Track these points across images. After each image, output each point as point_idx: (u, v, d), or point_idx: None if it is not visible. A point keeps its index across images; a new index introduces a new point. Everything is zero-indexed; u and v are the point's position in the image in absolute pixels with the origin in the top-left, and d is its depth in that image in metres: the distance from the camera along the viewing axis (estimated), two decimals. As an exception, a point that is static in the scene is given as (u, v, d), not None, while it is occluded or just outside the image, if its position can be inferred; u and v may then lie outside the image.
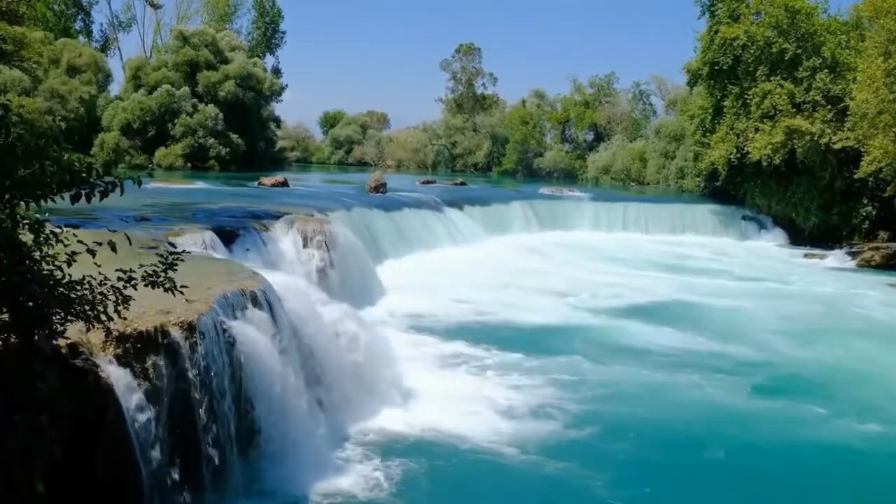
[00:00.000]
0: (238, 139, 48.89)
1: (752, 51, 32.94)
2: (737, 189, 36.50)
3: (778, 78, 32.59)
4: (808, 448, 10.54)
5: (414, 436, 10.05)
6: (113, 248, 5.43)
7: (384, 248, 22.43)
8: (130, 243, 6.41)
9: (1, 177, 4.97)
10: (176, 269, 5.94)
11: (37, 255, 5.15)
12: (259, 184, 32.28)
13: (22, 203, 5.11)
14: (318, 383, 9.94)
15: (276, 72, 67.36)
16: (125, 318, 5.86)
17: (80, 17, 63.71)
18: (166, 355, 7.08)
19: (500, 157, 69.36)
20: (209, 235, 14.37)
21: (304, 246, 16.58)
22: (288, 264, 15.58)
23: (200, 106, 48.22)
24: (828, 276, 26.18)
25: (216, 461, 7.67)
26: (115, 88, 53.31)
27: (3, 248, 4.96)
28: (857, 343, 16.17)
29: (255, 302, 9.06)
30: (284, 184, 32.26)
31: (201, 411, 7.43)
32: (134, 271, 5.73)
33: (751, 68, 33.23)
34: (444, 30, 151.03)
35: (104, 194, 5.20)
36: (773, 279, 24.60)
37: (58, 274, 5.29)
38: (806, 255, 30.44)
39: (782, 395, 12.60)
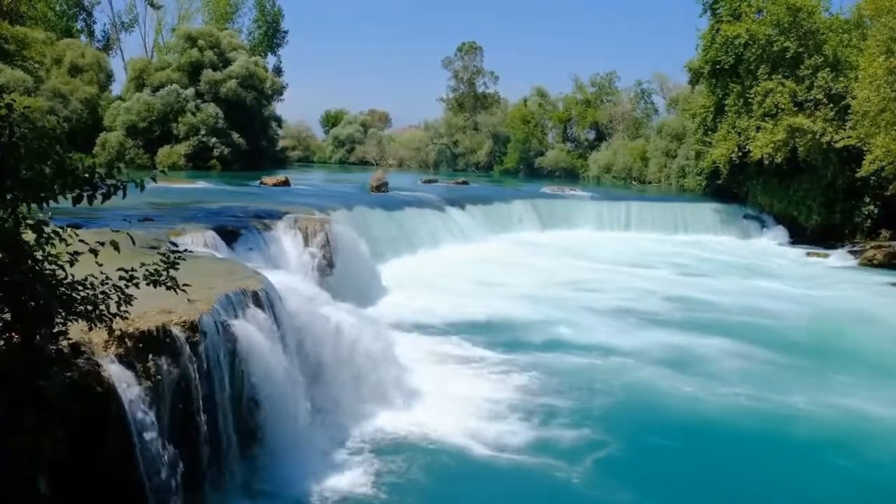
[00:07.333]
0: (240, 138, 48.95)
1: (753, 49, 32.90)
2: (738, 188, 36.54)
3: (779, 76, 32.56)
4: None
5: (415, 436, 10.05)
6: (116, 248, 5.44)
7: (386, 247, 22.43)
8: (134, 243, 6.41)
9: (3, 177, 4.98)
10: (178, 268, 5.96)
11: (39, 254, 5.16)
12: (261, 183, 32.36)
13: (24, 203, 5.12)
14: (318, 383, 9.97)
15: (278, 71, 67.55)
16: (127, 318, 5.87)
17: (81, 16, 63.80)
18: (168, 355, 7.09)
19: (501, 156, 69.44)
20: (211, 235, 14.39)
21: (306, 245, 16.59)
22: (289, 263, 15.60)
23: (202, 105, 48.27)
24: (832, 274, 26.16)
25: (217, 460, 7.70)
26: (116, 88, 53.49)
27: (6, 247, 4.97)
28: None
29: (257, 301, 9.08)
30: (286, 183, 32.35)
31: (203, 410, 7.45)
32: (136, 270, 5.75)
33: (752, 67, 33.20)
34: (445, 28, 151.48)
35: (106, 197, 5.21)
36: (777, 277, 24.59)
37: (60, 273, 5.30)
38: (808, 254, 30.40)
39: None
